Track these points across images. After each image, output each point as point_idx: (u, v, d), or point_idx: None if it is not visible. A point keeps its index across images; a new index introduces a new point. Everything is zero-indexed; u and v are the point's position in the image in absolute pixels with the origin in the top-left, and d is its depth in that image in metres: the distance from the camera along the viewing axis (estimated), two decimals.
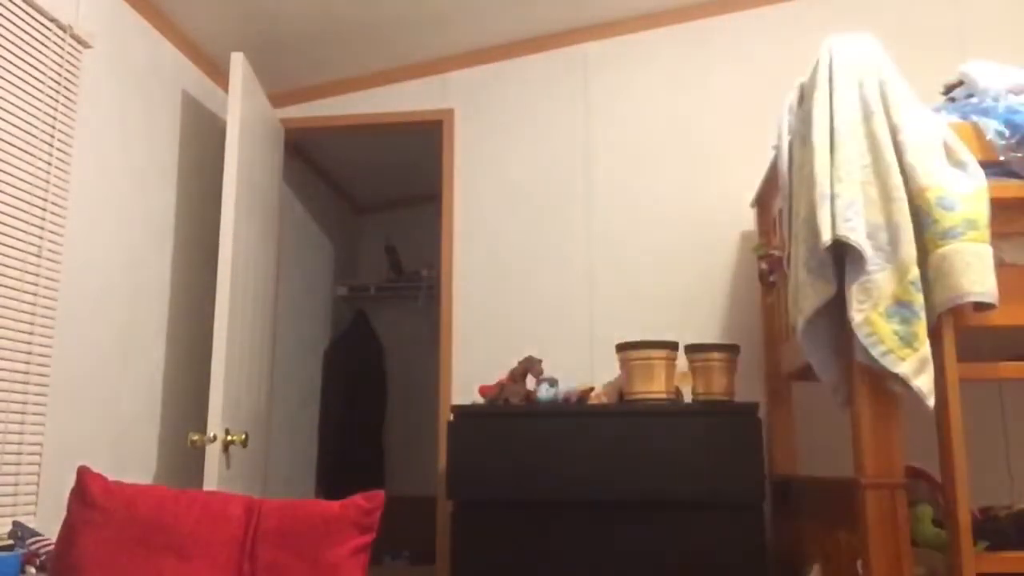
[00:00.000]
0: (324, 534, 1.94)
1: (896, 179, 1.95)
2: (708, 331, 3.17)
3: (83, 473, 2.00)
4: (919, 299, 1.88)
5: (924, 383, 1.87)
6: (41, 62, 2.33)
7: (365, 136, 4.08)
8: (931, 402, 1.87)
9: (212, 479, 2.58)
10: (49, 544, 2.05)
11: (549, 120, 3.47)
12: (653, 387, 2.70)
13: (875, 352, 1.88)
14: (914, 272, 1.89)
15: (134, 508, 1.93)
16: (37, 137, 2.31)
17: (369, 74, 3.61)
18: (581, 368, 3.16)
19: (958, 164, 2.00)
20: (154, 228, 2.93)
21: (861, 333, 1.90)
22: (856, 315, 1.91)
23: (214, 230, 2.86)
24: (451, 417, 2.85)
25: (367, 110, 3.61)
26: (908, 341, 1.87)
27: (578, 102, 3.45)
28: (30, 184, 2.28)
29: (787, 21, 3.34)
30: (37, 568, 2.02)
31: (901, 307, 1.89)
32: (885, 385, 1.93)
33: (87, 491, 1.95)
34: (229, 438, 2.69)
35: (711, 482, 2.53)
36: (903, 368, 1.86)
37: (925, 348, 1.88)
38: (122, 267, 2.72)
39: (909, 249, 1.90)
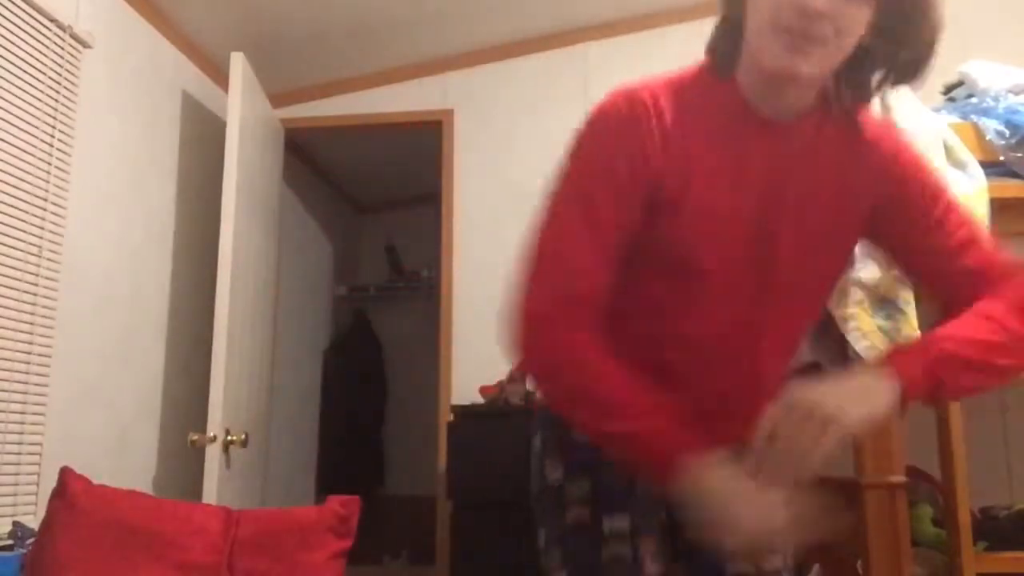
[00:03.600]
0: (301, 540, 1.96)
1: None
2: None
3: (65, 473, 2.00)
4: (905, 295, 1.88)
5: None
6: (41, 62, 2.33)
7: (365, 136, 4.08)
8: None
9: (212, 479, 2.58)
10: None
11: (549, 120, 3.47)
12: None
13: (859, 347, 1.88)
14: None
15: (114, 512, 1.93)
16: (37, 137, 2.31)
17: (369, 74, 3.61)
18: None
19: (958, 164, 2.00)
20: (154, 228, 2.93)
21: (846, 329, 1.90)
22: (843, 311, 1.91)
23: (214, 230, 2.86)
24: (451, 417, 2.85)
25: (367, 110, 3.61)
26: (892, 337, 1.87)
27: (578, 102, 3.45)
28: (30, 184, 2.28)
29: None
30: None
31: (886, 303, 1.89)
32: None
33: (67, 491, 1.95)
34: (229, 438, 2.69)
35: None
36: None
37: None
38: (122, 267, 2.72)
39: None
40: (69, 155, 2.44)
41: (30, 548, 1.97)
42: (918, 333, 1.89)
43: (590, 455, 1.15)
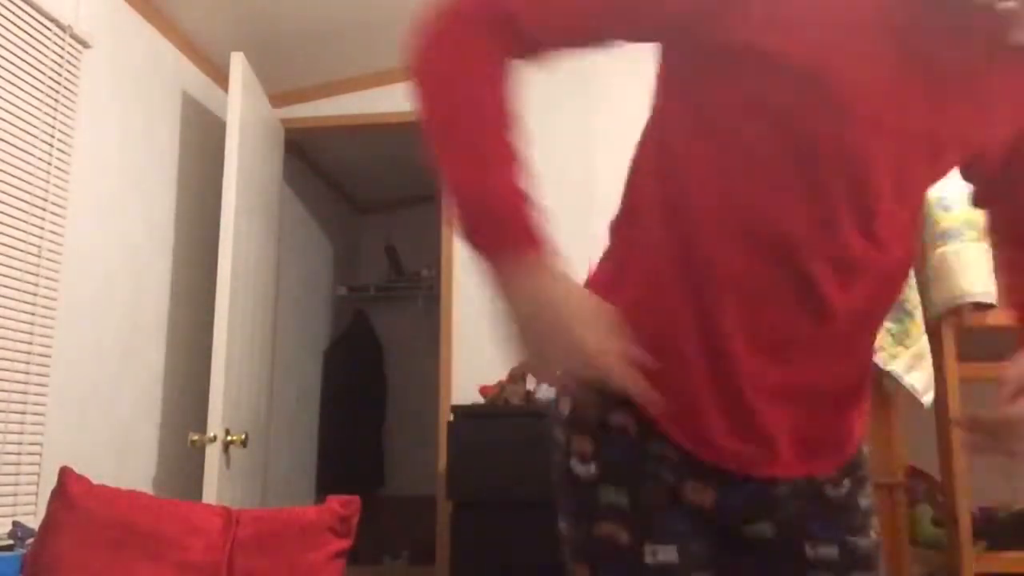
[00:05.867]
0: (301, 541, 1.95)
1: None
2: None
3: (65, 473, 2.00)
4: (912, 298, 1.89)
5: (917, 380, 1.87)
6: (41, 62, 2.33)
7: (365, 136, 4.08)
8: (926, 400, 1.88)
9: (212, 479, 2.58)
10: None
11: (549, 120, 3.47)
12: None
13: None
14: None
15: (114, 512, 1.93)
16: (37, 137, 2.31)
17: (369, 74, 3.60)
18: None
19: None
20: (154, 228, 2.93)
21: None
22: None
23: (214, 230, 2.86)
24: (451, 417, 2.85)
25: (367, 110, 3.61)
26: (900, 339, 1.87)
27: (578, 101, 3.45)
28: (30, 184, 2.28)
29: None
30: None
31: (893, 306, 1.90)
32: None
33: (67, 492, 1.95)
34: (229, 438, 2.69)
35: None
36: (894, 366, 1.87)
37: (919, 346, 1.88)
38: (122, 267, 2.72)
39: None
40: (69, 155, 2.44)
41: (30, 548, 1.97)
42: (925, 337, 1.90)
43: (630, 456, 0.95)
